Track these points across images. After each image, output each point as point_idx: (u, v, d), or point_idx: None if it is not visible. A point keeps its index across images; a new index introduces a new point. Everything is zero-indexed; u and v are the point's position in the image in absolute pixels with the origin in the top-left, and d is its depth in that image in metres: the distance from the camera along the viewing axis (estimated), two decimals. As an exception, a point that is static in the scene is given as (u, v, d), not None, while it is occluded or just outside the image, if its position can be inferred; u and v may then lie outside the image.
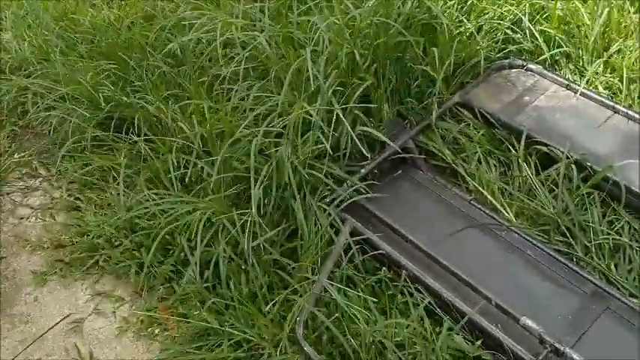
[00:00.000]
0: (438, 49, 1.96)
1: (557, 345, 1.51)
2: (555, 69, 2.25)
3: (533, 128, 2.01)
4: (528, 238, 1.81)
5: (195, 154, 1.88)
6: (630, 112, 2.03)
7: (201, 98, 1.98)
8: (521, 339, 1.57)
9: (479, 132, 2.06)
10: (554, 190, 1.89)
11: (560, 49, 2.23)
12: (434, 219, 1.90)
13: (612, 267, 1.75)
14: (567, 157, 1.90)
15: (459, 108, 2.12)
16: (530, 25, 2.22)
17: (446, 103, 2.11)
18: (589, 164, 1.88)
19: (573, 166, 1.88)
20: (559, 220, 1.82)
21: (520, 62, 2.24)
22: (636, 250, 1.76)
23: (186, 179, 1.89)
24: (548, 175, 1.91)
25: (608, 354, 1.56)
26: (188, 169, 1.88)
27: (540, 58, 2.24)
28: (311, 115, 1.71)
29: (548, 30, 2.24)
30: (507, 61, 2.24)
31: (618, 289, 1.70)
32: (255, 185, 1.68)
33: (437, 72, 2.01)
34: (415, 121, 2.06)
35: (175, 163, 1.90)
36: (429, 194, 1.96)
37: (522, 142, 1.97)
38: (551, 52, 2.21)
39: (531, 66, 2.23)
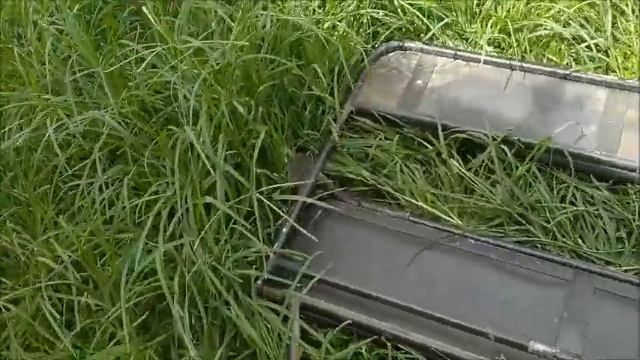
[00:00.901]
0: (315, 63, 1.66)
1: (575, 360, 1.36)
2: (432, 40, 2.06)
3: (441, 115, 1.80)
4: (484, 239, 1.63)
5: (75, 289, 1.44)
6: (525, 65, 1.89)
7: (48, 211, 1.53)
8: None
9: (388, 138, 1.82)
10: (490, 178, 1.72)
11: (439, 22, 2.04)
12: (379, 254, 1.64)
13: (579, 241, 1.62)
14: (493, 139, 1.72)
15: (356, 117, 1.86)
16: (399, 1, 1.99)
17: (340, 117, 1.84)
18: (517, 138, 1.72)
19: (503, 146, 1.71)
20: (509, 209, 1.65)
21: (395, 44, 2.02)
22: (593, 214, 1.64)
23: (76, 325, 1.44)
24: (480, 163, 1.73)
25: (624, 342, 1.43)
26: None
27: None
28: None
29: (417, 2, 2.03)
30: (382, 47, 2.01)
31: (594, 262, 1.58)
32: (176, 307, 1.30)
33: (320, 87, 1.72)
34: (317, 151, 1.77)
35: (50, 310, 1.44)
36: (361, 226, 1.70)
37: (441, 135, 1.75)
38: (432, 26, 2.01)
39: (408, 44, 2.02)
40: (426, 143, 1.79)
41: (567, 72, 1.85)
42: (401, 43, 2.01)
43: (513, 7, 2.00)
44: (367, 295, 1.53)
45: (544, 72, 1.86)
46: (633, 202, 1.65)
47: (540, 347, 1.38)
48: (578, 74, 1.84)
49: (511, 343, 1.40)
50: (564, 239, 1.61)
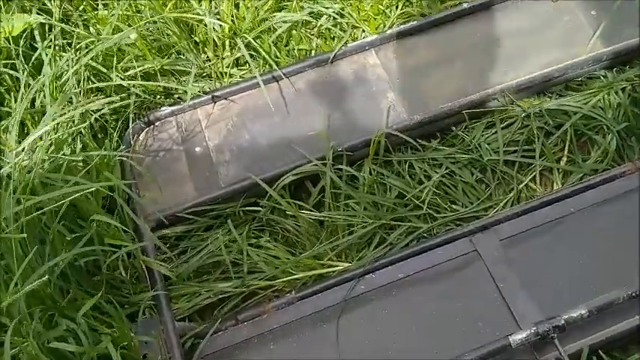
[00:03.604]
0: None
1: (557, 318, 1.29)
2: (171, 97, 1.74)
3: (251, 169, 1.53)
4: (380, 263, 1.45)
5: None
6: (286, 70, 1.68)
7: None
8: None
9: (210, 229, 1.50)
10: (339, 202, 1.53)
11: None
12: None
13: (455, 206, 1.53)
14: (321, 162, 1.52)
15: (162, 232, 1.48)
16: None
17: (148, 248, 1.45)
18: (340, 149, 1.53)
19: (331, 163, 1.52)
20: (383, 221, 1.48)
21: (139, 125, 1.64)
22: (447, 175, 1.56)
23: None
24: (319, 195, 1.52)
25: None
26: None
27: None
28: None
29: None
30: (127, 136, 1.61)
31: (478, 217, 1.52)
32: None
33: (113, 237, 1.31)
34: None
35: None
36: (262, 341, 1.38)
37: (270, 190, 1.48)
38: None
39: (154, 115, 1.65)
40: (257, 208, 1.52)
41: (331, 55, 1.69)
42: (145, 119, 1.65)
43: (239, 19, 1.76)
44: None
45: (310, 66, 1.69)
46: (461, 142, 1.62)
47: (520, 335, 1.28)
48: (341, 50, 1.71)
49: (492, 351, 1.29)
50: (442, 213, 1.52)
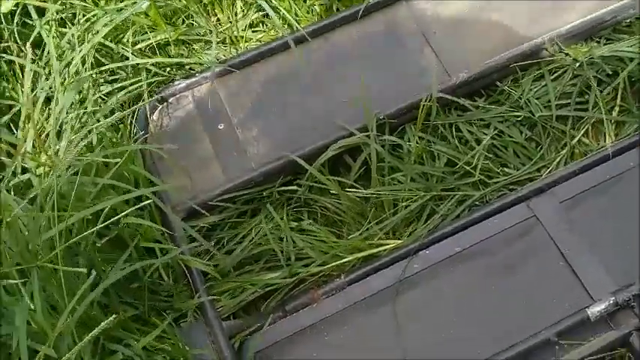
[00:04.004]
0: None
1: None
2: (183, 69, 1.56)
3: (287, 146, 1.38)
4: (433, 238, 1.34)
5: None
6: (304, 32, 1.49)
7: None
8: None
9: (243, 214, 1.38)
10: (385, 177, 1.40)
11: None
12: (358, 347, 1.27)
13: (507, 169, 1.42)
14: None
15: (192, 223, 1.34)
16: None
17: (178, 235, 1.32)
18: (382, 117, 1.39)
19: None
20: (432, 193, 1.36)
21: (153, 102, 1.47)
22: (496, 136, 1.44)
23: None
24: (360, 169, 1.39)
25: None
26: None
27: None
28: None
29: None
30: (141, 117, 1.43)
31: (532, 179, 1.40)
32: None
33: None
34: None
35: None
36: (314, 332, 1.28)
37: (310, 168, 1.34)
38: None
39: (167, 91, 1.47)
40: (294, 187, 1.39)
41: (358, 9, 1.50)
42: (158, 96, 1.48)
43: None
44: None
45: (336, 23, 1.50)
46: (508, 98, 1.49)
47: (598, 307, 1.20)
48: (369, 4, 1.51)
49: (571, 326, 1.21)
50: (495, 179, 1.40)
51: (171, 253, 1.14)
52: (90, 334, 0.79)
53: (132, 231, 1.14)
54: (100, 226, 0.93)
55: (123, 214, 0.93)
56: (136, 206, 1.11)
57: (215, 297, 1.25)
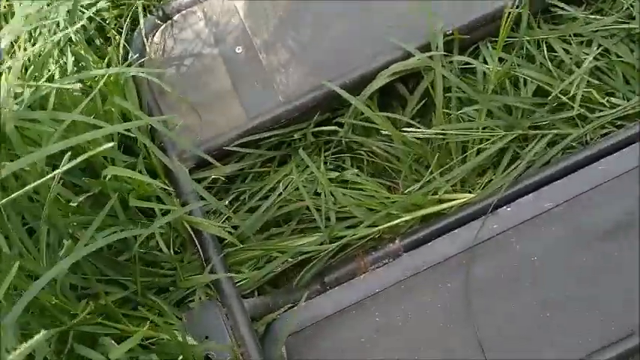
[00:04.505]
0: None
1: None
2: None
3: (329, 72, 1.06)
4: (514, 190, 1.03)
5: None
6: None
7: None
8: None
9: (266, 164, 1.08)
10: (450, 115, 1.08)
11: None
12: (424, 329, 0.98)
13: (612, 99, 1.08)
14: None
15: (201, 174, 1.06)
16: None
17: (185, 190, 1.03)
18: (454, 29, 1.05)
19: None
20: (518, 131, 1.03)
21: (152, 20, 1.15)
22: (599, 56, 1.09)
23: None
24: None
25: None
26: None
27: None
28: None
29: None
30: (136, 41, 1.12)
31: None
32: None
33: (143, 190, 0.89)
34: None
35: None
36: (364, 307, 1.00)
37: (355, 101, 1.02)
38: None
39: (170, 7, 1.16)
40: (333, 128, 1.08)
41: None
42: (159, 12, 1.16)
43: None
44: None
45: None
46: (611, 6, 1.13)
47: None
48: None
49: None
50: (597, 112, 1.07)
51: (173, 213, 0.87)
52: (30, 341, 0.51)
53: (121, 185, 0.86)
54: (63, 169, 0.64)
55: (93, 153, 0.63)
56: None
57: (231, 264, 0.97)
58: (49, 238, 0.75)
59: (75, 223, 0.78)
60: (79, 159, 0.63)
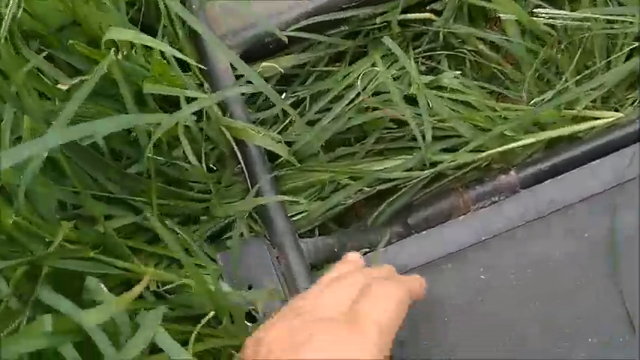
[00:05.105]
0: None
1: None
2: None
3: None
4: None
5: None
6: None
7: None
8: None
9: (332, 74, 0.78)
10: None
11: None
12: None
13: None
14: None
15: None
16: None
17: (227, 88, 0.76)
18: None
19: None
20: None
21: None
22: None
23: None
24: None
25: None
26: None
27: None
28: None
29: None
30: None
31: None
32: None
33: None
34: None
35: None
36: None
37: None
38: None
39: None
40: (427, 15, 0.79)
41: None
42: None
43: None
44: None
45: None
46: None
47: None
48: None
49: None
50: None
51: (202, 101, 0.59)
52: None
53: (133, 68, 0.60)
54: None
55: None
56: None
57: (284, 191, 0.72)
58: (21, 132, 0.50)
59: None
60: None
